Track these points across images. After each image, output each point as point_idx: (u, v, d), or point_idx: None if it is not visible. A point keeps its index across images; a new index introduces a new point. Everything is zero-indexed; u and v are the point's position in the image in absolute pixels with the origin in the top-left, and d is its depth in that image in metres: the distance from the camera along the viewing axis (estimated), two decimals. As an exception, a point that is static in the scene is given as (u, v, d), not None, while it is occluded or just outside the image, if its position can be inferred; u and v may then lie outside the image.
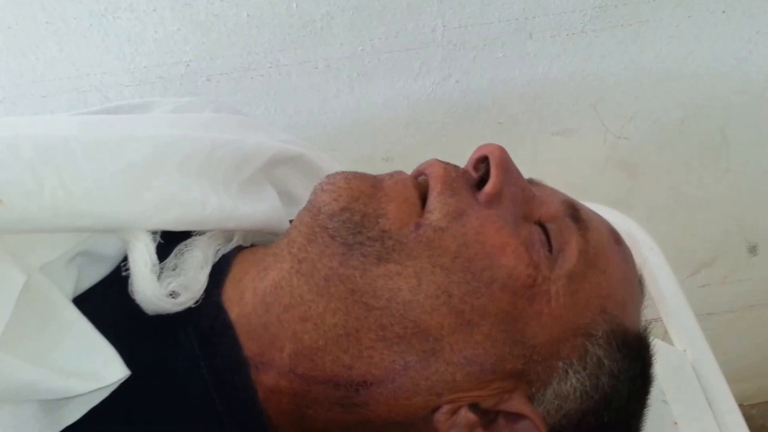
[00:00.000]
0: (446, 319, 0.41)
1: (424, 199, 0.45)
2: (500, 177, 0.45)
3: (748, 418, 1.48)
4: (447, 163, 0.47)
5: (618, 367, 0.44)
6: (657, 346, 0.59)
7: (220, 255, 0.46)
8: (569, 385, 0.43)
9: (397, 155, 0.88)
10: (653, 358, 0.49)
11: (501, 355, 0.42)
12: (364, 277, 0.41)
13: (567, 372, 0.43)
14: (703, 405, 0.61)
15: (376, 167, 0.85)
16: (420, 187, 0.45)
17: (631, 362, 0.46)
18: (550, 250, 0.44)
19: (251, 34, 0.74)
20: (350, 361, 0.41)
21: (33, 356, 0.36)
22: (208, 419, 0.41)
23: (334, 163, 0.62)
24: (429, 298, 0.41)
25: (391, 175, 0.46)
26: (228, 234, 0.48)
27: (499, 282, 0.41)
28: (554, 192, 0.50)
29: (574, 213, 0.46)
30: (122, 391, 0.39)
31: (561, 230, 0.45)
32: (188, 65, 0.75)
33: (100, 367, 0.38)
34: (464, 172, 0.47)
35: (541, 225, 0.45)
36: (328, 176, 0.45)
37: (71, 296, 0.41)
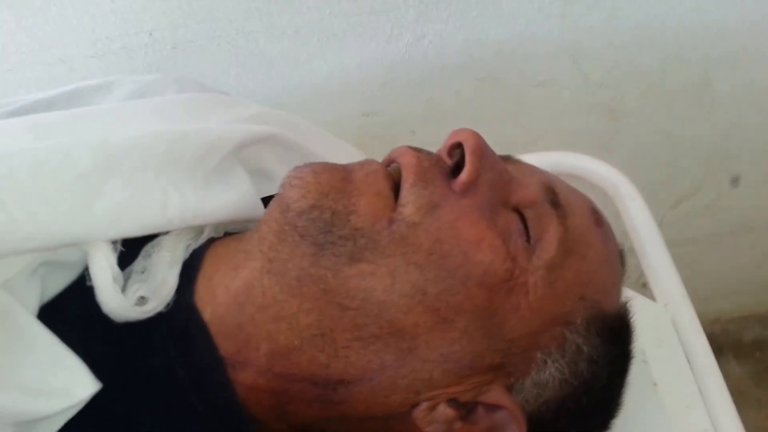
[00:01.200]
0: (422, 318, 0.40)
1: (396, 189, 0.43)
2: (476, 164, 0.43)
3: (727, 333, 1.50)
4: (419, 151, 0.45)
5: (597, 353, 0.44)
6: (638, 302, 0.57)
7: (191, 250, 0.45)
8: (548, 374, 0.43)
9: (377, 110, 0.86)
10: (633, 336, 0.49)
11: (478, 351, 0.41)
12: (336, 277, 0.40)
13: (546, 362, 0.43)
14: (683, 363, 0.61)
15: (357, 123, 0.84)
16: (392, 177, 0.44)
17: (610, 345, 0.46)
18: (528, 240, 0.43)
19: (213, 1, 0.71)
20: (326, 360, 0.40)
21: None
22: (188, 420, 0.41)
23: (312, 128, 0.60)
24: (404, 297, 0.40)
25: (362, 165, 0.44)
26: (198, 228, 0.46)
27: (474, 279, 0.40)
28: (532, 171, 0.48)
29: (553, 198, 0.45)
30: (99, 399, 0.38)
31: (539, 217, 0.44)
32: (151, 34, 0.73)
33: (68, 384, 0.37)
34: (438, 159, 0.44)
35: (519, 212, 0.44)
36: (295, 169, 0.43)
37: (36, 309, 0.40)
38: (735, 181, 1.11)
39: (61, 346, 0.38)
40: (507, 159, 0.50)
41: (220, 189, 0.47)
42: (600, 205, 0.63)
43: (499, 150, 0.47)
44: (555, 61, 0.84)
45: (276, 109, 0.59)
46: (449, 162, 0.45)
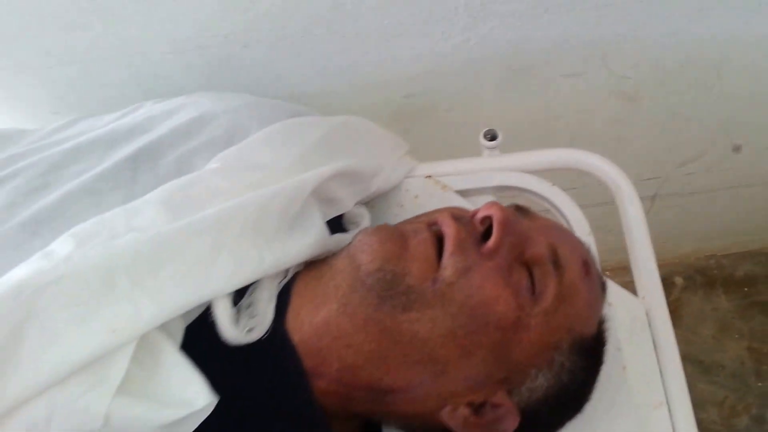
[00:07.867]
0: (451, 351, 0.55)
1: (440, 248, 0.57)
2: (500, 235, 0.57)
3: (721, 267, 1.63)
4: (458, 221, 0.58)
5: (576, 366, 0.60)
6: (622, 296, 0.73)
7: (281, 286, 0.59)
8: (538, 383, 0.58)
9: (417, 92, 0.96)
10: (605, 347, 0.64)
11: (490, 371, 0.57)
12: (392, 321, 0.55)
13: (537, 376, 0.58)
14: (650, 351, 0.72)
15: (399, 103, 0.94)
16: (436, 240, 0.58)
17: (586, 359, 0.61)
18: (534, 293, 0.57)
19: (284, 10, 0.79)
20: (380, 376, 0.56)
21: (144, 394, 0.48)
22: (276, 415, 0.55)
23: (359, 126, 0.75)
24: (440, 337, 0.55)
25: (415, 232, 0.58)
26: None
27: (492, 323, 0.55)
28: (543, 229, 0.61)
29: (555, 260, 0.59)
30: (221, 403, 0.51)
31: (543, 276, 0.58)
32: (226, 37, 0.81)
33: (192, 396, 0.49)
34: (472, 229, 0.58)
35: (529, 268, 0.58)
36: (366, 234, 0.58)
37: (180, 338, 0.52)
38: (737, 149, 1.20)
39: (191, 370, 0.50)
40: (526, 213, 0.64)
41: (300, 235, 0.61)
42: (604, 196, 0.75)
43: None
44: (584, 59, 0.92)
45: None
46: (480, 229, 0.59)
